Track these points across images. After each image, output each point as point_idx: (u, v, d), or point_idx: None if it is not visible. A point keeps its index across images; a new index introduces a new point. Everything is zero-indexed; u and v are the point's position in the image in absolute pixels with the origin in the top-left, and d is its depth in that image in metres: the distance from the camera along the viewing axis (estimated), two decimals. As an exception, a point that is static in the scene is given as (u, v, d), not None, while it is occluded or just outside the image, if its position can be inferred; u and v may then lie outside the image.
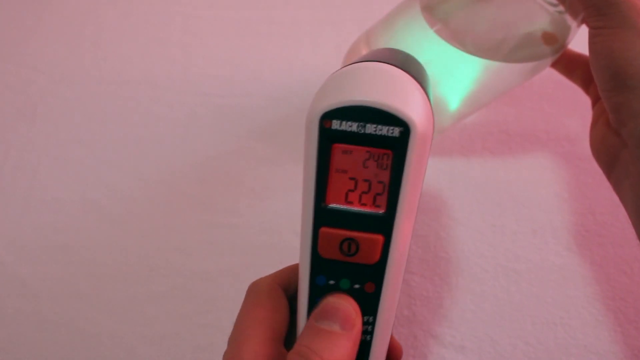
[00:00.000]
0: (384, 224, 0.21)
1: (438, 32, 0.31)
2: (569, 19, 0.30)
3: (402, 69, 0.22)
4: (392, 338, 0.24)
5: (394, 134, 0.20)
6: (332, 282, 0.22)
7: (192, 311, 0.35)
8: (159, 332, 0.34)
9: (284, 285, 0.25)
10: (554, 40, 0.31)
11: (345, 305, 0.22)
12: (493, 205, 0.38)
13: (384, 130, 0.20)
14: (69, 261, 0.37)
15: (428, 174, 0.40)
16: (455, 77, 0.34)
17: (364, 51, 0.37)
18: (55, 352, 0.34)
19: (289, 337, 0.24)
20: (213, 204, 0.39)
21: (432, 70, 0.34)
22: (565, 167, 0.40)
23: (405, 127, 0.20)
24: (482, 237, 0.37)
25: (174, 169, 0.41)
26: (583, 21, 0.30)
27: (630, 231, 0.31)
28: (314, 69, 0.46)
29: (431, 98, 0.24)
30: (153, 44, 0.48)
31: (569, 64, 0.35)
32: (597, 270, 0.36)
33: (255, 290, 0.24)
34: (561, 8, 0.30)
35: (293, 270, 0.25)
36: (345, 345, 0.21)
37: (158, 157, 0.41)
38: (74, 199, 0.40)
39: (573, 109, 0.42)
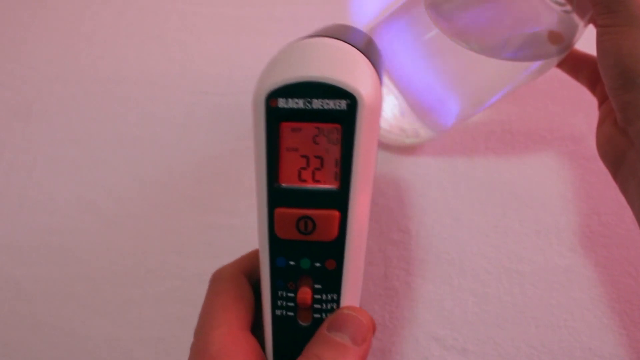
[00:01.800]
0: (339, 200, 0.21)
1: (443, 30, 0.31)
2: (575, 18, 0.30)
3: (347, 42, 0.22)
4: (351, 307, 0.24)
5: (341, 107, 0.20)
6: (292, 262, 0.22)
7: (190, 314, 0.35)
8: (156, 335, 0.34)
9: (247, 271, 0.25)
10: (561, 40, 0.31)
11: (360, 319, 0.22)
12: (496, 205, 0.38)
13: (331, 104, 0.20)
14: (64, 263, 0.37)
15: (430, 174, 0.40)
16: (460, 76, 0.34)
17: None
18: (50, 355, 0.34)
19: (256, 324, 0.24)
20: (211, 204, 0.39)
21: (436, 69, 0.33)
22: (570, 167, 0.40)
23: (352, 100, 0.20)
24: (484, 238, 0.37)
25: (172, 169, 0.41)
26: (590, 20, 0.30)
27: (636, 232, 0.31)
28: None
29: (381, 73, 0.24)
30: (150, 42, 0.48)
31: (575, 64, 0.35)
32: (602, 272, 0.36)
33: (217, 279, 0.25)
34: (568, 7, 0.30)
35: (255, 255, 0.25)
36: (354, 359, 0.21)
37: (155, 156, 0.41)
38: (69, 199, 0.40)
39: (578, 108, 0.42)
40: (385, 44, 0.35)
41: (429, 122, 0.37)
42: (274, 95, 0.20)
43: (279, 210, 0.22)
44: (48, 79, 0.46)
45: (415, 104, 0.36)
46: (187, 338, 0.34)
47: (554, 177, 0.39)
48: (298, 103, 0.20)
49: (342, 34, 0.23)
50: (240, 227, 0.38)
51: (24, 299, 0.36)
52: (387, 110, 0.37)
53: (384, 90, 0.36)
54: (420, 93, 0.35)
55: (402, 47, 0.34)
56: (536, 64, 0.32)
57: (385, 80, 0.36)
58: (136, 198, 0.39)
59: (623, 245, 0.36)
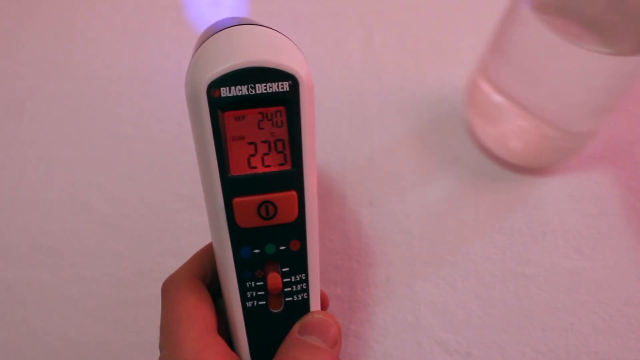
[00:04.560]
0: (294, 179, 0.22)
1: (561, 35, 0.30)
2: None
3: (272, 29, 0.22)
4: (318, 312, 0.25)
5: (284, 89, 0.21)
6: (257, 250, 0.23)
7: (186, 317, 0.35)
8: (151, 339, 0.34)
9: (199, 274, 0.25)
10: None
11: (330, 323, 0.23)
12: (501, 206, 0.38)
13: (274, 87, 0.21)
14: (57, 265, 0.37)
15: (433, 175, 0.40)
16: (587, 79, 0.32)
17: (481, 83, 0.37)
18: (42, 360, 0.34)
19: (220, 326, 0.24)
20: (208, 205, 0.39)
21: (562, 76, 0.32)
22: (577, 167, 0.40)
23: (293, 80, 0.21)
24: (489, 240, 0.37)
25: (167, 169, 0.41)
26: None
27: (645, 233, 0.31)
28: (313, 63, 0.46)
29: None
30: (145, 38, 0.48)
31: None
32: (609, 275, 0.36)
33: (172, 288, 0.24)
34: None
35: (204, 255, 0.25)
36: None
37: (150, 155, 0.41)
38: (62, 199, 0.39)
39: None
40: (504, 69, 0.35)
41: (569, 131, 0.35)
42: (215, 85, 0.20)
43: (238, 200, 0.22)
44: (41, 76, 0.46)
45: (548, 118, 0.35)
46: (183, 342, 0.34)
47: (560, 177, 0.39)
48: (241, 90, 0.21)
49: (260, 22, 0.24)
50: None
51: (15, 302, 0.35)
52: (522, 134, 0.36)
53: (514, 115, 0.35)
54: (551, 104, 0.34)
55: (518, 65, 0.34)
56: None
57: (512, 105, 0.35)
58: (131, 198, 0.39)
59: (631, 247, 0.36)
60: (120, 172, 0.41)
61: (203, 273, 0.25)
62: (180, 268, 0.25)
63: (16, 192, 0.40)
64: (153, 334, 0.34)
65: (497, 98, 0.36)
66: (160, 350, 0.23)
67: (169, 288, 0.24)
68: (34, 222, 0.39)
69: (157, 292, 0.36)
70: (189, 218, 0.38)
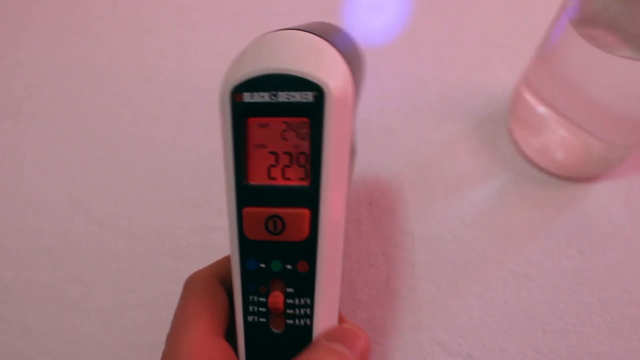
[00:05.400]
0: (309, 197, 0.21)
1: (598, 45, 0.30)
2: None
3: (314, 34, 0.22)
4: (348, 323, 0.24)
5: (308, 100, 0.20)
6: (262, 265, 0.22)
7: (185, 318, 0.35)
8: (150, 341, 0.34)
9: (221, 276, 0.25)
10: None
11: (361, 337, 0.22)
12: (502, 206, 0.38)
13: (297, 96, 0.20)
14: (55, 265, 0.37)
15: (434, 175, 0.40)
16: (624, 87, 0.32)
17: (526, 94, 0.37)
18: (40, 361, 0.34)
19: (231, 330, 0.24)
20: (207, 205, 0.39)
21: (601, 85, 0.32)
22: (578, 166, 0.40)
23: (319, 91, 0.20)
24: (491, 240, 0.37)
25: (166, 168, 0.41)
26: None
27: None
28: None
29: (359, 72, 0.23)
30: (143, 37, 0.48)
31: None
32: (611, 275, 0.35)
33: (190, 284, 0.24)
34: None
35: (229, 259, 0.25)
36: None
37: (148, 155, 0.41)
38: (60, 199, 0.39)
39: None
40: (544, 76, 0.35)
41: (614, 141, 0.36)
42: (238, 90, 0.20)
43: (247, 210, 0.21)
44: (38, 75, 0.46)
45: (592, 128, 0.35)
46: (182, 344, 0.34)
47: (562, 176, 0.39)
48: (263, 97, 0.20)
49: (314, 28, 0.23)
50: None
51: (12, 303, 0.35)
52: (566, 145, 0.36)
53: (558, 126, 0.35)
54: (595, 115, 0.34)
55: (561, 76, 0.34)
56: None
57: (562, 120, 0.35)
58: (129, 198, 0.39)
59: (633, 248, 0.36)
60: (119, 172, 0.40)
61: (226, 276, 0.25)
62: (206, 267, 0.25)
63: (14, 192, 0.40)
64: (152, 335, 0.34)
65: (541, 109, 0.36)
66: (165, 343, 0.23)
67: (189, 284, 0.24)
68: (31, 222, 0.38)
69: (156, 293, 0.36)
70: (188, 218, 0.38)
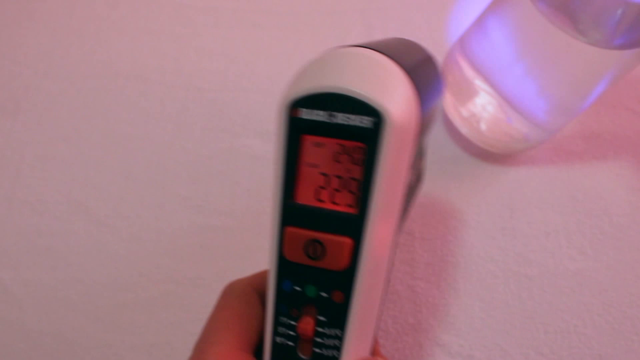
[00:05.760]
0: (354, 226, 0.20)
1: (549, 19, 0.30)
2: None
3: (386, 55, 0.21)
4: (382, 358, 0.23)
5: (366, 125, 0.19)
6: (297, 288, 0.21)
7: (184, 319, 0.35)
8: (149, 341, 0.34)
9: (261, 288, 0.24)
10: None
11: None
12: (503, 206, 0.38)
13: (356, 120, 0.19)
14: (53, 266, 0.37)
15: (434, 174, 0.39)
16: (564, 69, 0.33)
17: (460, 59, 0.37)
18: (39, 362, 0.34)
19: (262, 347, 0.23)
20: (206, 205, 0.39)
21: (537, 61, 0.32)
22: (580, 167, 0.40)
23: (378, 118, 0.19)
24: (491, 241, 0.37)
25: (165, 168, 0.41)
26: None
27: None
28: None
29: (429, 96, 0.22)
30: (142, 36, 0.48)
31: None
32: (613, 276, 0.35)
33: (227, 293, 0.24)
34: None
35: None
36: None
37: (148, 155, 0.41)
38: (59, 199, 0.39)
39: (588, 106, 0.42)
40: (482, 42, 0.35)
41: (537, 122, 0.36)
42: (296, 105, 0.20)
43: (289, 230, 0.21)
44: (37, 74, 0.46)
45: (520, 102, 0.35)
46: (180, 344, 0.34)
47: (563, 177, 0.39)
48: (320, 115, 0.19)
49: (388, 47, 0.22)
50: (236, 229, 0.38)
51: (11, 304, 0.35)
52: (491, 117, 0.36)
53: (486, 96, 0.35)
54: (523, 90, 0.34)
55: (499, 43, 0.34)
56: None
57: (486, 86, 0.35)
58: (128, 198, 0.39)
59: (635, 248, 0.36)
60: (118, 172, 0.40)
61: (265, 289, 0.24)
62: (246, 277, 0.25)
63: (12, 192, 0.40)
64: (151, 335, 0.34)
65: (472, 74, 0.36)
66: (192, 350, 0.22)
67: (226, 291, 0.24)
68: (30, 222, 0.38)
69: (155, 294, 0.36)
70: (187, 218, 0.38)
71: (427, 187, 0.39)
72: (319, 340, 0.22)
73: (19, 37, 0.48)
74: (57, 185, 0.40)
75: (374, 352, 0.23)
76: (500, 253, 0.36)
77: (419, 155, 0.23)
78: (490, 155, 0.40)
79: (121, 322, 0.35)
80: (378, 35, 0.48)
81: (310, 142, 0.20)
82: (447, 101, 0.40)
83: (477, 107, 0.37)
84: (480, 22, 0.36)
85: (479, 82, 0.36)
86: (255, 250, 0.37)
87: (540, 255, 0.36)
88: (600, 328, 0.34)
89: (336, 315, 0.21)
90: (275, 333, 0.22)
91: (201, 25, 0.48)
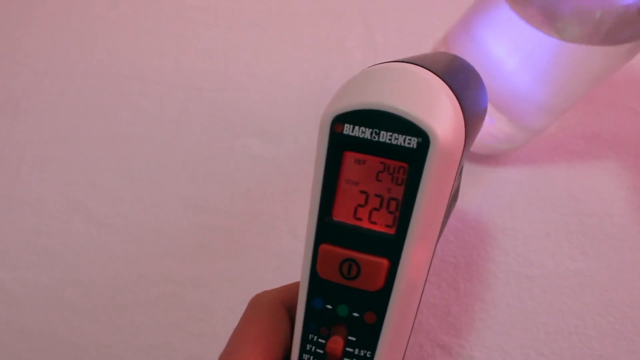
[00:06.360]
0: (392, 248, 0.20)
1: (528, 20, 0.30)
2: None
3: (434, 73, 0.20)
4: None
5: (410, 145, 0.19)
6: (329, 306, 0.21)
7: (184, 319, 0.35)
8: (149, 342, 0.34)
9: (289, 302, 0.23)
10: None
11: None
12: (504, 207, 0.38)
13: (400, 139, 0.19)
14: (52, 266, 0.37)
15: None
16: (546, 68, 0.33)
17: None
18: (38, 363, 0.34)
19: None
20: (206, 205, 0.39)
21: (516, 58, 0.32)
22: (581, 167, 0.40)
23: (424, 138, 0.18)
24: (492, 241, 0.37)
25: (165, 168, 0.41)
26: None
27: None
28: (313, 62, 0.46)
29: (475, 115, 0.22)
30: (142, 36, 0.48)
31: None
32: (614, 276, 0.35)
33: (255, 305, 0.23)
34: None
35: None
36: None
37: (147, 155, 0.41)
38: (58, 199, 0.39)
39: (589, 106, 0.42)
40: (465, 42, 0.35)
41: (521, 122, 0.36)
42: (340, 120, 0.19)
43: (324, 247, 0.20)
44: (36, 74, 0.46)
45: (504, 103, 0.35)
46: (180, 345, 0.34)
47: (564, 177, 0.39)
48: (364, 132, 0.19)
49: (435, 63, 0.22)
50: (236, 229, 0.38)
51: (9, 304, 0.35)
52: None
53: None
54: (508, 89, 0.34)
55: (481, 43, 0.34)
56: (626, 47, 0.30)
57: None
58: (127, 198, 0.39)
59: (636, 248, 0.36)
60: (117, 172, 0.40)
61: (294, 302, 0.23)
62: (275, 289, 0.24)
63: (11, 192, 0.40)
64: (150, 336, 0.34)
65: None
66: None
67: (253, 303, 0.24)
68: (28, 223, 0.38)
69: (155, 294, 0.36)
70: (186, 218, 0.38)
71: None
72: None
73: (18, 37, 0.48)
74: (57, 185, 0.40)
75: None
76: (500, 253, 0.36)
77: (458, 175, 0.23)
78: (483, 156, 0.40)
79: (121, 322, 0.35)
80: (378, 35, 0.48)
81: (351, 159, 0.20)
82: None
83: None
84: (463, 22, 0.36)
85: None
86: (254, 251, 0.37)
87: (540, 256, 0.36)
88: (601, 328, 0.34)
89: (367, 336, 0.21)
90: (303, 350, 0.22)
91: (201, 25, 0.48)
